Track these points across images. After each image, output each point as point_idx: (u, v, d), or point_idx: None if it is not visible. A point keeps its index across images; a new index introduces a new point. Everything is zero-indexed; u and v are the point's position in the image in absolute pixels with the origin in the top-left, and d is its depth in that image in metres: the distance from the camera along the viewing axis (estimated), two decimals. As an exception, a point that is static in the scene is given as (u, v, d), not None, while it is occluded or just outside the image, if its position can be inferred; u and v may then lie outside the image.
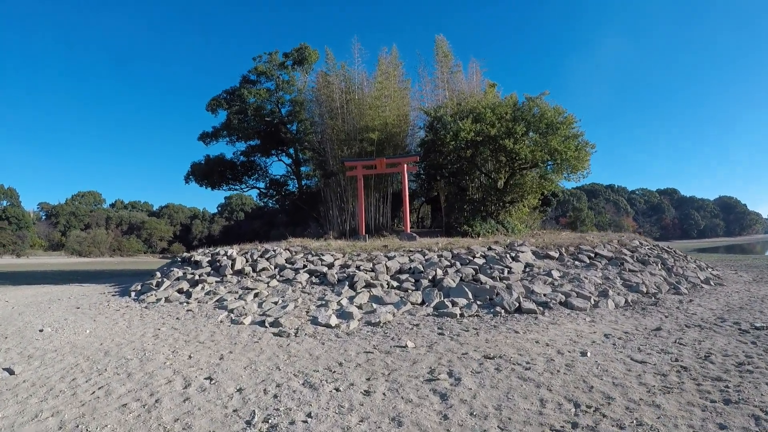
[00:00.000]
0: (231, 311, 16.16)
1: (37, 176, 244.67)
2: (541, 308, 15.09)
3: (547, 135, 29.34)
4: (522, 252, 21.43)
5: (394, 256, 21.54)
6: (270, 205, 53.35)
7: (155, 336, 13.20)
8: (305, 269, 20.55)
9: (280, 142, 41.55)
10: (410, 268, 19.89)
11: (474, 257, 20.85)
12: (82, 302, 20.12)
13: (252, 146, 44.01)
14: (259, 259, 22.40)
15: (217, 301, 18.02)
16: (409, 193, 40.04)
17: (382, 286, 18.10)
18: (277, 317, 14.77)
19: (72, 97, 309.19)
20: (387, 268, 19.94)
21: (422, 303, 16.40)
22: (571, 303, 15.33)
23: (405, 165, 29.19)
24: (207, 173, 42.59)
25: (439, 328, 13.23)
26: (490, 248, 22.27)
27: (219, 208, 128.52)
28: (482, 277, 18.25)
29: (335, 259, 21.76)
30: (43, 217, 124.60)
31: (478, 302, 15.99)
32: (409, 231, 29.07)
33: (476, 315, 14.85)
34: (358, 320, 14.32)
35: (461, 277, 18.43)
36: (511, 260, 20.34)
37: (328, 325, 13.76)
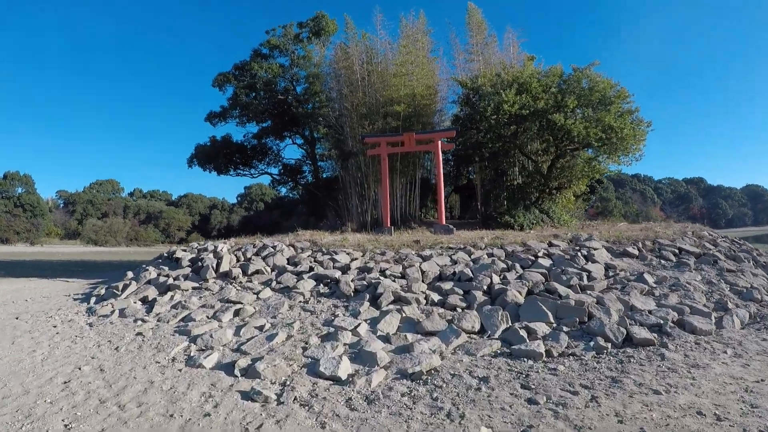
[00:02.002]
0: (194, 340, 10.60)
1: (57, 163, 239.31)
2: (657, 334, 10.25)
3: (599, 110, 24.38)
4: (595, 249, 16.41)
5: (431, 256, 15.96)
6: (284, 192, 48.14)
7: (65, 385, 8.21)
8: (311, 273, 15.02)
9: (294, 121, 35.65)
10: (454, 272, 14.33)
11: (536, 257, 15.67)
12: (33, 308, 15.55)
13: (264, 128, 38.22)
14: (253, 258, 16.93)
15: (182, 319, 12.53)
16: (434, 180, 34.74)
17: (417, 301, 12.37)
18: (256, 357, 9.17)
19: (90, 84, 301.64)
20: (422, 272, 14.35)
21: (481, 331, 10.83)
22: (690, 323, 10.64)
23: (439, 142, 23.56)
24: (212, 156, 36.92)
25: (523, 386, 7.66)
26: (551, 244, 17.36)
27: (238, 198, 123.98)
28: (557, 286, 12.80)
29: (352, 260, 16.24)
30: (61, 205, 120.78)
31: (564, 327, 10.59)
32: (444, 222, 23.13)
33: (571, 353, 9.37)
34: (386, 368, 8.55)
35: (528, 287, 12.95)
36: (584, 260, 15.42)
37: (334, 378, 8.02)
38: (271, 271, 15.82)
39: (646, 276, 13.96)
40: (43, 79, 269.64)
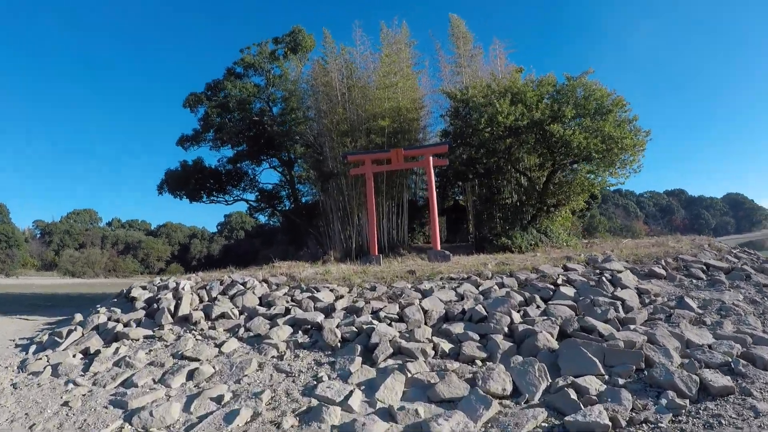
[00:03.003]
0: (130, 417, 7.83)
1: (34, 194, 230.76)
2: (730, 376, 7.84)
3: (597, 119, 22.18)
4: (618, 272, 14.07)
5: (431, 290, 13.14)
6: (263, 220, 45.11)
7: None
8: (288, 318, 12.09)
9: (271, 144, 32.76)
10: (463, 310, 11.58)
11: (556, 284, 13.15)
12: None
13: (239, 152, 35.28)
14: (219, 298, 13.99)
15: (123, 383, 9.56)
16: (422, 202, 32.08)
17: (424, 353, 9.51)
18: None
19: (62, 109, 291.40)
20: (424, 312, 11.57)
21: (515, 393, 8.06)
22: (761, 357, 8.33)
23: (430, 157, 20.72)
24: (183, 182, 33.87)
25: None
26: (566, 268, 14.94)
27: (218, 227, 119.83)
28: (593, 323, 10.14)
29: (337, 298, 13.36)
30: (38, 235, 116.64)
31: (620, 379, 8.04)
32: (439, 247, 20.31)
33: (643, 420, 6.77)
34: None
35: (560, 325, 10.31)
36: (612, 286, 12.99)
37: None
38: (240, 315, 12.89)
39: (688, 300, 11.73)
40: (10, 104, 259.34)
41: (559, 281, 13.38)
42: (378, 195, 23.10)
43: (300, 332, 11.23)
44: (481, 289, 13.14)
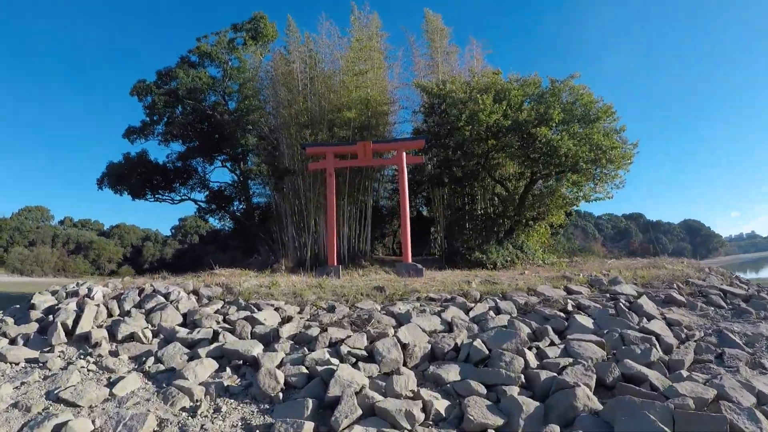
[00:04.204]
0: None
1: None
2: None
3: (585, 126, 19.85)
4: (632, 296, 11.72)
5: (408, 315, 9.90)
6: (214, 223, 41.16)
7: None
8: (214, 346, 8.69)
9: (223, 140, 29.09)
10: (456, 346, 8.57)
11: (566, 311, 10.44)
12: None
13: (191, 148, 31.46)
14: (132, 312, 10.51)
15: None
16: (385, 210, 28.78)
17: (410, 416, 6.25)
18: None
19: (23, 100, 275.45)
20: (403, 348, 8.29)
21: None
22: None
23: (404, 153, 17.57)
24: (125, 176, 29.79)
25: None
26: (569, 291, 12.41)
27: (173, 231, 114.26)
28: (639, 368, 7.46)
29: (283, 320, 10.09)
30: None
31: None
32: (410, 260, 17.10)
33: None
34: None
35: (592, 371, 7.43)
36: (635, 316, 10.22)
37: None
38: (153, 338, 9.43)
39: (729, 335, 9.40)
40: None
41: (569, 307, 10.56)
42: (339, 197, 19.84)
43: (228, 370, 7.90)
44: (472, 315, 10.14)
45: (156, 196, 31.57)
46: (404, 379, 6.95)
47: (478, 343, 8.18)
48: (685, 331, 9.65)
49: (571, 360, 7.82)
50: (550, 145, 18.62)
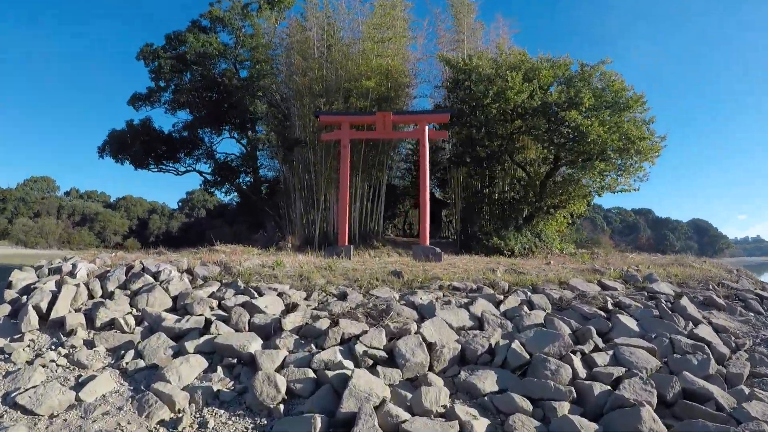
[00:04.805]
0: None
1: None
2: None
3: (615, 114, 18.81)
4: (671, 296, 10.61)
5: (431, 307, 8.51)
6: (221, 197, 39.97)
7: None
8: (204, 339, 7.37)
9: (234, 109, 27.75)
10: (491, 348, 7.23)
11: (606, 310, 9.26)
12: None
13: (198, 117, 30.06)
14: (116, 294, 9.21)
15: None
16: (398, 190, 27.49)
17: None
18: None
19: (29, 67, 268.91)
20: (428, 348, 7.00)
21: None
22: None
23: (426, 128, 16.16)
24: (127, 144, 28.52)
25: None
26: (603, 286, 11.13)
27: (179, 204, 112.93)
28: (702, 384, 6.45)
29: (287, 308, 8.70)
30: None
31: None
32: (428, 242, 15.81)
33: None
34: None
35: (649, 386, 6.23)
36: (680, 318, 9.10)
37: None
38: (136, 325, 8.14)
39: None
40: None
41: (609, 306, 9.33)
42: (353, 173, 18.48)
43: (219, 370, 6.60)
44: (503, 309, 8.86)
45: (159, 166, 30.26)
46: (434, 391, 5.63)
47: (516, 345, 6.93)
48: (734, 339, 8.67)
49: (623, 370, 6.71)
50: (579, 130, 17.61)
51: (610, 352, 7.24)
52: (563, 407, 5.67)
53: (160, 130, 29.95)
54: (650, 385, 6.12)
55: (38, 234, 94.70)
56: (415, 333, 7.16)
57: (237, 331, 7.58)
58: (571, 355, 6.83)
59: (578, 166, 19.81)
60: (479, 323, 8.08)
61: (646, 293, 10.63)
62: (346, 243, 15.87)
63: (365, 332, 7.26)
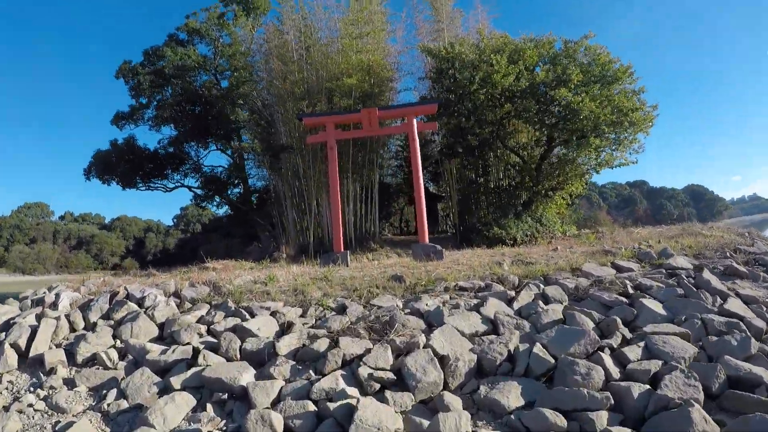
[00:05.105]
0: None
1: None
2: None
3: (604, 88, 18.53)
4: (692, 270, 9.96)
5: (439, 312, 7.75)
6: (213, 210, 39.39)
7: None
8: (192, 372, 6.60)
9: (218, 122, 27.17)
10: (510, 355, 6.44)
11: (627, 294, 8.55)
12: None
13: (183, 132, 29.38)
14: (98, 325, 8.51)
15: None
16: (392, 188, 26.83)
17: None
18: None
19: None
20: (441, 362, 6.28)
21: None
22: None
23: (414, 120, 15.50)
24: (113, 164, 27.98)
25: None
26: (617, 267, 10.38)
27: (175, 220, 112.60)
28: (748, 368, 5.90)
29: (282, 328, 7.96)
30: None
31: None
32: (426, 240, 15.09)
33: None
34: None
35: (689, 376, 5.69)
36: (707, 294, 8.44)
37: None
38: (119, 360, 7.41)
39: None
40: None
41: (629, 289, 8.63)
42: (342, 175, 17.86)
43: (209, 408, 5.88)
44: (516, 306, 8.17)
45: (148, 184, 29.59)
46: (454, 418, 4.89)
47: (538, 349, 6.24)
48: (765, 309, 7.99)
49: (660, 363, 6.07)
50: (570, 107, 17.19)
51: (641, 344, 6.57)
52: (602, 418, 5.00)
53: (145, 147, 29.29)
54: (693, 378, 5.54)
55: (35, 260, 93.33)
56: (425, 347, 6.43)
57: (227, 359, 6.83)
58: (600, 353, 6.16)
59: (573, 145, 19.26)
60: (493, 326, 7.33)
61: (664, 271, 9.94)
62: (342, 248, 15.10)
63: (368, 351, 6.50)
